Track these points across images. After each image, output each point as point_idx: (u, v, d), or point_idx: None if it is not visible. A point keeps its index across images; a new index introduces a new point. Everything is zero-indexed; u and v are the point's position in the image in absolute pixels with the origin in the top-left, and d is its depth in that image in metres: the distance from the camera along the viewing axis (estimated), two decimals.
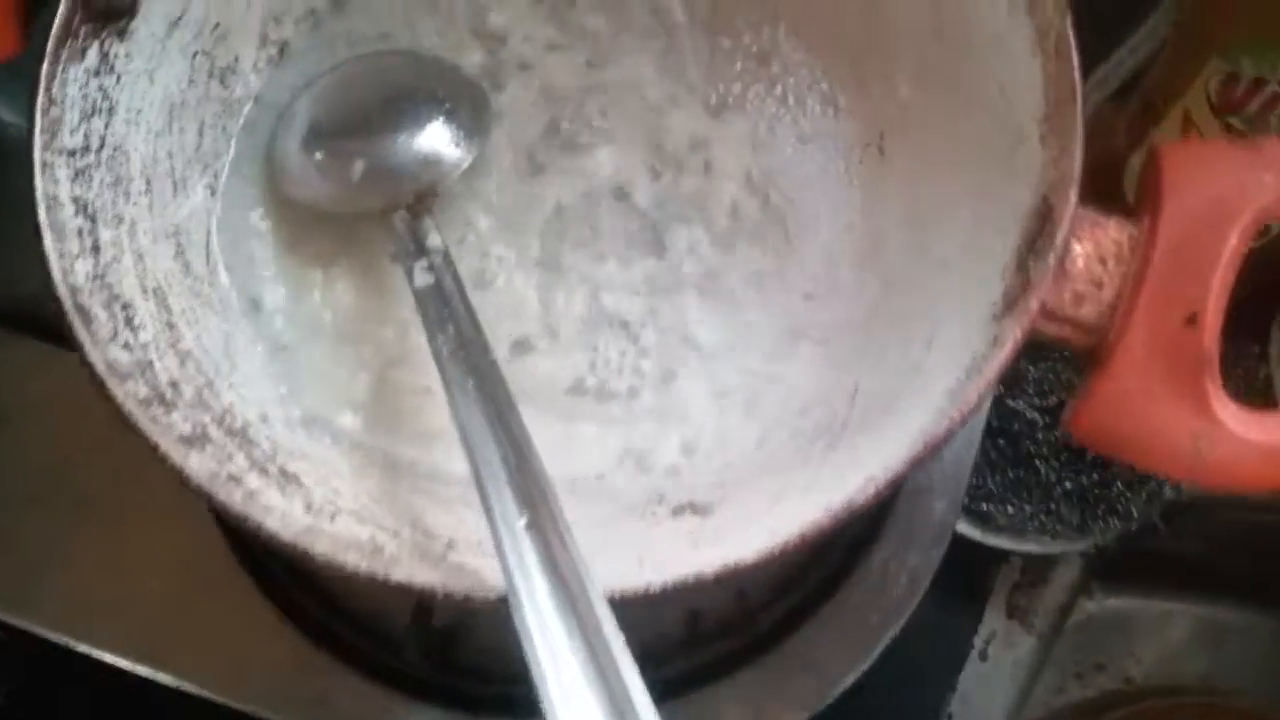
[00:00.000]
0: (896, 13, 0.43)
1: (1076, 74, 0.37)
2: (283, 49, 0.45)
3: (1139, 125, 0.55)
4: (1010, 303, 0.36)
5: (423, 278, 0.39)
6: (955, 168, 0.41)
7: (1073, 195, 0.35)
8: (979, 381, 0.34)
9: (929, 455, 0.33)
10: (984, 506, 0.56)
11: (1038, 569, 0.61)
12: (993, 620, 0.62)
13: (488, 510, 0.33)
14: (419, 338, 0.39)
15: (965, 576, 0.60)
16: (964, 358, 0.36)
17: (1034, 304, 0.35)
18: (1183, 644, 0.64)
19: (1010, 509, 0.56)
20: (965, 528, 0.56)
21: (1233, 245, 0.34)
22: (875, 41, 0.44)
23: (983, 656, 0.62)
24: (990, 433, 0.55)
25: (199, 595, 0.50)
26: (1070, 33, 0.37)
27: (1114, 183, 0.56)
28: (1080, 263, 0.36)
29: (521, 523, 0.33)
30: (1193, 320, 0.33)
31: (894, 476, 0.34)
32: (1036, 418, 0.55)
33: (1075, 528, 0.57)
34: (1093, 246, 0.36)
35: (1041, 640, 0.62)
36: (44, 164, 0.36)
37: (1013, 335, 0.35)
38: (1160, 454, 0.34)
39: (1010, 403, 0.55)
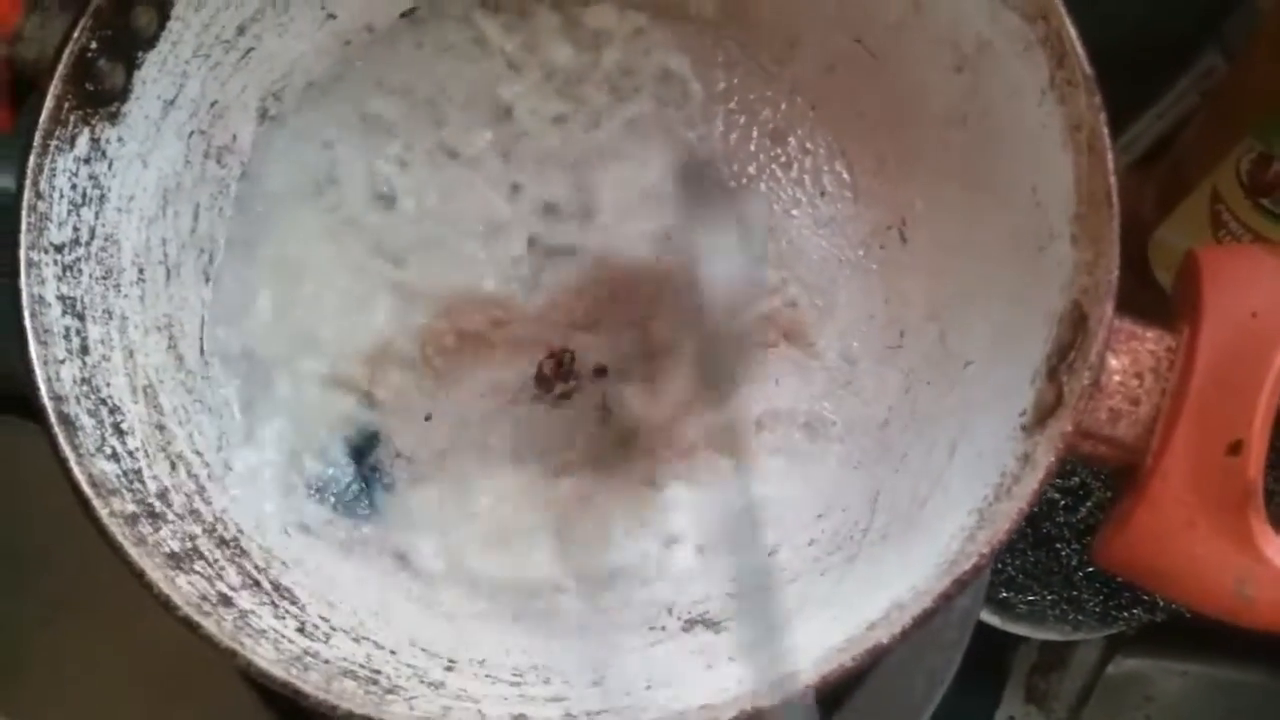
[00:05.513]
0: (919, 95, 0.41)
1: (1111, 175, 0.35)
2: (282, 124, 0.44)
3: (1167, 195, 0.53)
4: (1041, 415, 0.34)
5: None
6: (981, 261, 0.40)
7: (1109, 307, 0.33)
8: (1010, 506, 0.33)
9: (956, 593, 0.31)
10: (1003, 593, 0.54)
11: (1057, 649, 0.59)
12: (1011, 704, 0.60)
13: None
14: None
15: (982, 657, 0.58)
16: (992, 473, 0.34)
17: (1069, 424, 0.33)
18: (1198, 705, 0.62)
19: (1030, 595, 0.54)
20: (984, 615, 0.54)
21: (1278, 366, 0.32)
22: (896, 122, 0.42)
23: None
24: None
25: (184, 701, 0.47)
26: (1105, 129, 0.35)
27: (1138, 251, 0.54)
28: (1116, 377, 0.34)
29: None
30: (1236, 448, 0.32)
31: (923, 610, 0.32)
32: (1057, 498, 0.53)
33: (1097, 617, 0.54)
34: (1129, 360, 0.34)
35: None
36: (29, 263, 0.35)
37: (1047, 456, 0.33)
38: (1200, 593, 0.32)
39: None
